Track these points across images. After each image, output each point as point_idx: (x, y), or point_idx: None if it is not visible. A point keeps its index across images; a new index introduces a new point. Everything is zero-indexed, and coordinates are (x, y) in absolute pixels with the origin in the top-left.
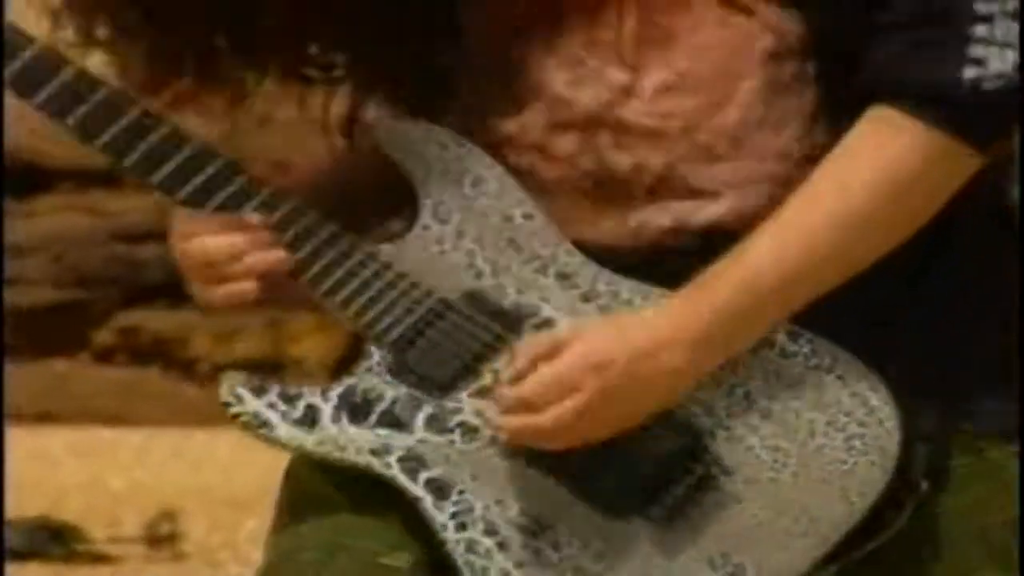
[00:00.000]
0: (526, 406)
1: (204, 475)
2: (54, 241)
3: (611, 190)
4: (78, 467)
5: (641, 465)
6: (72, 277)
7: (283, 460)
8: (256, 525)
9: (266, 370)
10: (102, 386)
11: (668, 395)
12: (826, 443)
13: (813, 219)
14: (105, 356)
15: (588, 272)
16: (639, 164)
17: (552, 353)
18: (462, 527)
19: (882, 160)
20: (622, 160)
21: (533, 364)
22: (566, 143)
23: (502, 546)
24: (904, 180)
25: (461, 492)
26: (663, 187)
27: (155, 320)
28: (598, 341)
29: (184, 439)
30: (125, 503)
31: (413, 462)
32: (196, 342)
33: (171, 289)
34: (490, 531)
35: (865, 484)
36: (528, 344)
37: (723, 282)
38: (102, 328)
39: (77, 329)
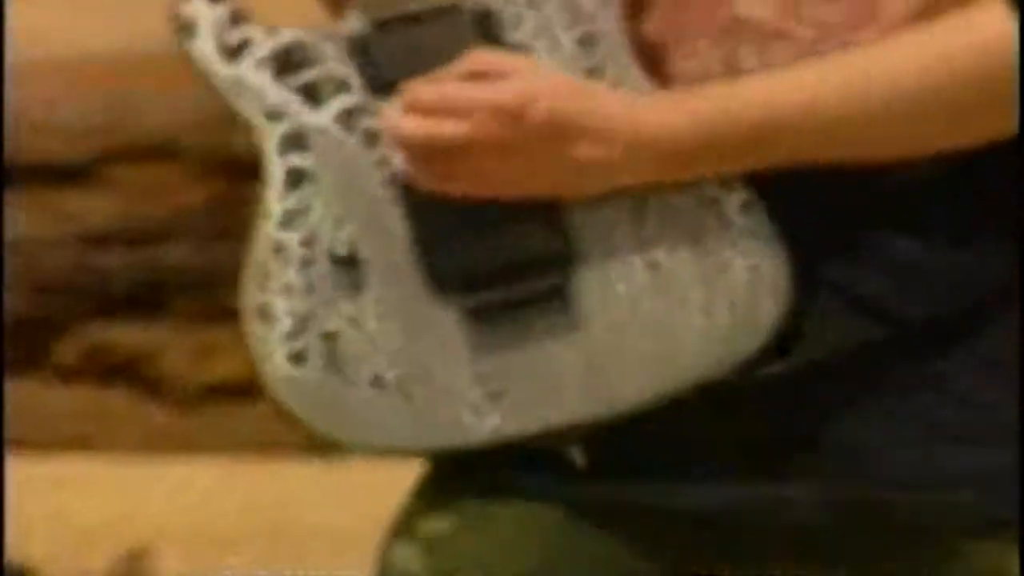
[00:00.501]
0: (410, 106)
1: (180, 508)
2: (11, 245)
3: None
4: (40, 500)
5: (496, 246)
6: (32, 286)
7: (269, 493)
8: (238, 562)
9: (248, 391)
10: (66, 408)
11: (574, 182)
12: (687, 322)
13: (848, 62)
14: (69, 375)
15: (614, 50)
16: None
17: (482, 74)
18: (285, 225)
19: (946, 31)
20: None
21: (456, 76)
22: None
23: (305, 262)
24: (957, 54)
25: (314, 193)
26: None
27: (125, 335)
28: (535, 90)
29: (158, 467)
30: (92, 540)
31: (293, 140)
32: (171, 360)
33: (143, 300)
34: (307, 242)
35: (685, 375)
36: (473, 56)
37: (708, 100)
38: (66, 343)
39: (38, 344)
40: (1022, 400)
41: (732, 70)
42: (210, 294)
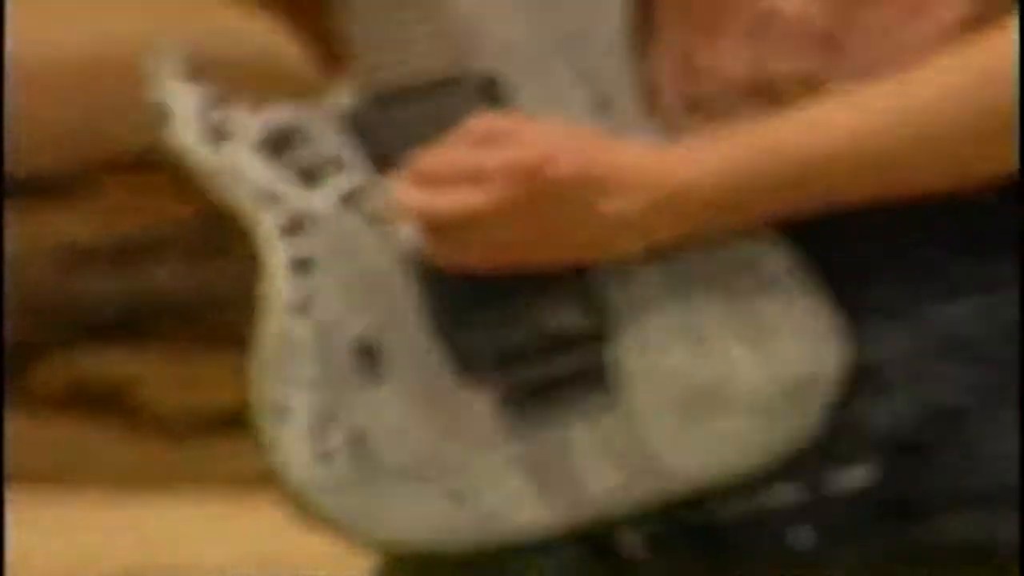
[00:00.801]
0: (418, 177)
1: (166, 545)
2: None
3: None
4: (17, 539)
5: (523, 322)
6: (7, 308)
7: (263, 528)
8: None
9: (241, 424)
10: (44, 441)
11: (604, 242)
12: (734, 396)
13: (869, 91)
14: (48, 405)
15: (628, 112)
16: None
17: (491, 137)
18: (294, 315)
19: (971, 49)
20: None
21: (465, 140)
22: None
23: (320, 353)
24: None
25: (321, 280)
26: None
27: (109, 362)
28: (553, 146)
29: (142, 503)
30: None
31: (292, 227)
32: (158, 389)
33: (128, 325)
34: (319, 332)
35: (737, 452)
36: (476, 121)
37: (739, 141)
38: (43, 371)
39: (14, 372)
40: (1022, 420)
41: (760, 72)
42: (200, 318)
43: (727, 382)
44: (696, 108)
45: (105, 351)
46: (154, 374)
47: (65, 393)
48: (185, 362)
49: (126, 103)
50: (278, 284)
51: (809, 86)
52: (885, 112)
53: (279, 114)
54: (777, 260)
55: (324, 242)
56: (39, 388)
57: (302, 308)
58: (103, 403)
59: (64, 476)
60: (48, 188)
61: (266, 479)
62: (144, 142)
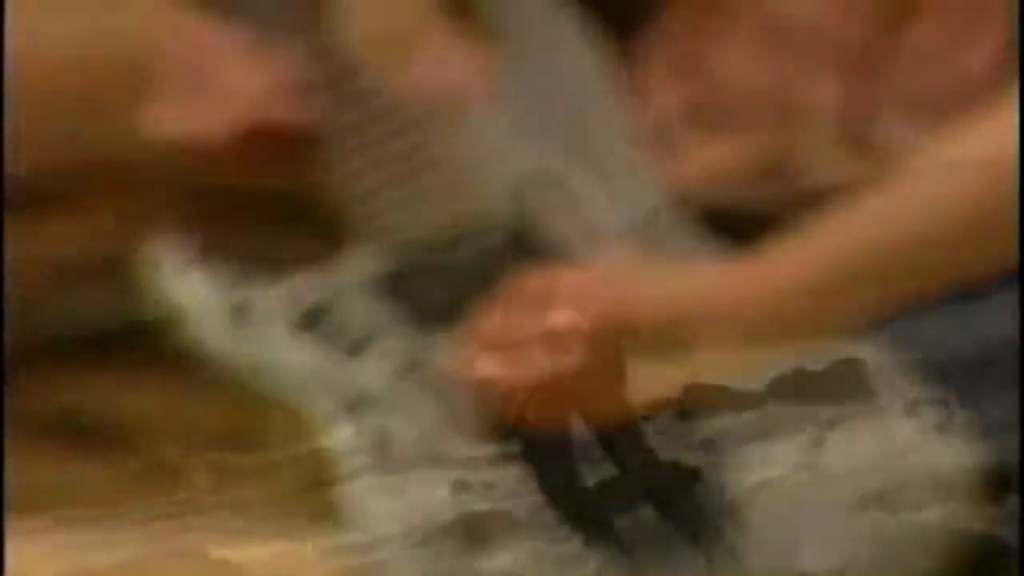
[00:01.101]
0: (484, 345)
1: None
2: None
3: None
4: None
5: (617, 469)
6: None
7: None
8: None
9: (239, 447)
10: (30, 471)
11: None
12: (855, 531)
13: (898, 189)
14: (33, 432)
15: (669, 222)
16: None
17: (545, 297)
18: (390, 495)
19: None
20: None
21: (532, 300)
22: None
23: (424, 535)
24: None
25: (399, 452)
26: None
27: (97, 385)
28: (609, 300)
29: (131, 530)
30: None
31: (353, 406)
32: (151, 413)
33: (119, 344)
34: (416, 512)
35: None
36: (528, 280)
37: (787, 255)
38: (27, 395)
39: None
40: (1021, 422)
41: (783, 89)
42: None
43: (842, 520)
44: (701, 116)
45: (94, 373)
46: (147, 399)
47: (51, 419)
48: (181, 386)
49: (116, 105)
50: (354, 467)
51: (848, 114)
52: (929, 205)
53: (307, 287)
54: (880, 366)
55: (389, 415)
56: (22, 414)
57: (391, 489)
58: (92, 430)
59: (52, 505)
60: (31, 197)
61: (279, 514)
62: (136, 150)
